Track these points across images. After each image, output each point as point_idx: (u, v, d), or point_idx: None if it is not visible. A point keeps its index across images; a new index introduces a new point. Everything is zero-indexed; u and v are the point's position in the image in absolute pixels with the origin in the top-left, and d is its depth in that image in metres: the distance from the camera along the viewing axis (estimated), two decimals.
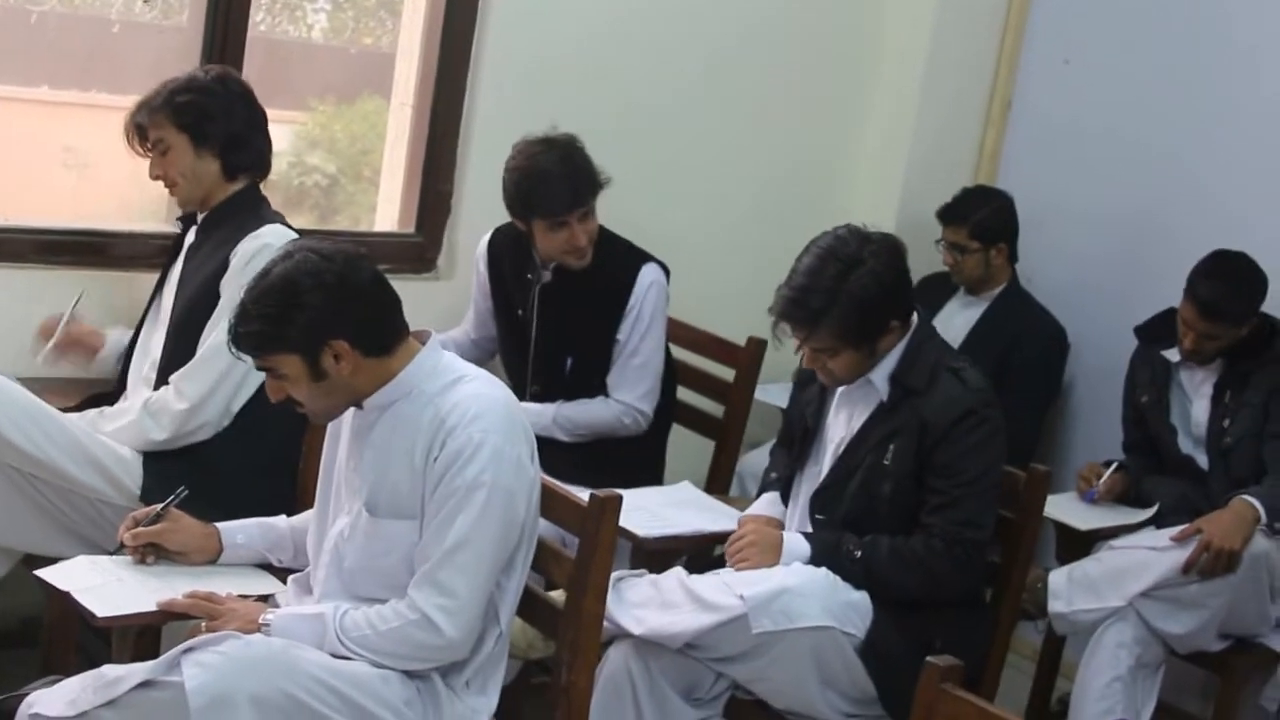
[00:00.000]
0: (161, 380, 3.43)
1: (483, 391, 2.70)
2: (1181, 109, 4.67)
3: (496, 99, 4.30)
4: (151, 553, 2.88)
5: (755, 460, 4.44)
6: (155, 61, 3.94)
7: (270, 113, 3.60)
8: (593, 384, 3.95)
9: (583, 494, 3.07)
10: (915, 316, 3.31)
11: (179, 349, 3.44)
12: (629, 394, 3.96)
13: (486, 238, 4.13)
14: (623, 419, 3.95)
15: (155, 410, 3.36)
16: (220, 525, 2.97)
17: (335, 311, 2.62)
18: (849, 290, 3.13)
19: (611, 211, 3.99)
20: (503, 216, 4.34)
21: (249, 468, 3.37)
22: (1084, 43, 4.91)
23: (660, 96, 4.55)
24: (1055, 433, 4.90)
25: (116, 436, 3.35)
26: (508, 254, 4.03)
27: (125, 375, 3.60)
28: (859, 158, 5.08)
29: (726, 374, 4.26)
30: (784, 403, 4.62)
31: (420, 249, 4.30)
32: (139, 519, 2.90)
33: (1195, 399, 4.17)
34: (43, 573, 2.83)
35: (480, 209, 4.32)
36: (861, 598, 3.14)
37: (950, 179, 4.95)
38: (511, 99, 4.32)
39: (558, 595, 2.97)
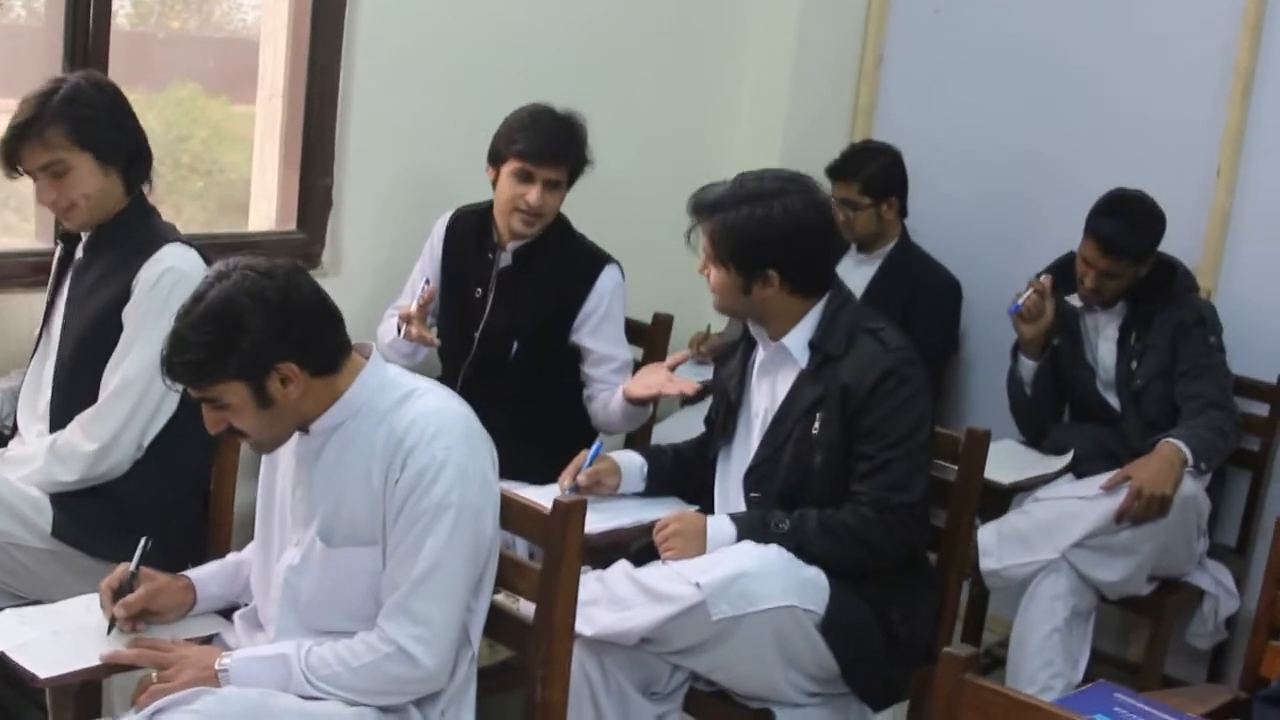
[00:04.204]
0: (57, 417, 3.19)
1: (439, 406, 2.55)
2: (1058, 51, 4.69)
3: (372, 85, 4.12)
4: (142, 619, 2.68)
5: (665, 433, 4.34)
6: (10, 62, 3.70)
7: None
8: (532, 369, 3.85)
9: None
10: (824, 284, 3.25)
11: (72, 383, 3.20)
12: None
13: (446, 217, 4.01)
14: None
15: (63, 454, 3.11)
16: (192, 576, 2.79)
17: (281, 332, 2.43)
18: (745, 212, 3.12)
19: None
20: (386, 208, 4.21)
21: (161, 497, 3.17)
22: None
23: (535, 74, 4.40)
24: (952, 384, 4.91)
25: (22, 482, 3.11)
26: (471, 234, 3.94)
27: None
28: (736, 122, 5.03)
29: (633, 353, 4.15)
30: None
31: (304, 246, 4.10)
32: (114, 587, 2.67)
33: (1100, 343, 4.19)
34: None
35: (363, 200, 4.19)
36: (817, 573, 3.06)
37: (828, 137, 4.93)
38: (388, 83, 4.15)
39: (503, 598, 2.84)
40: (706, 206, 3.18)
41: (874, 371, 3.10)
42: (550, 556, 2.64)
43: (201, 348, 2.42)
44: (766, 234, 3.11)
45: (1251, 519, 4.28)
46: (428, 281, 3.86)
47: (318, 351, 2.50)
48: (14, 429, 3.36)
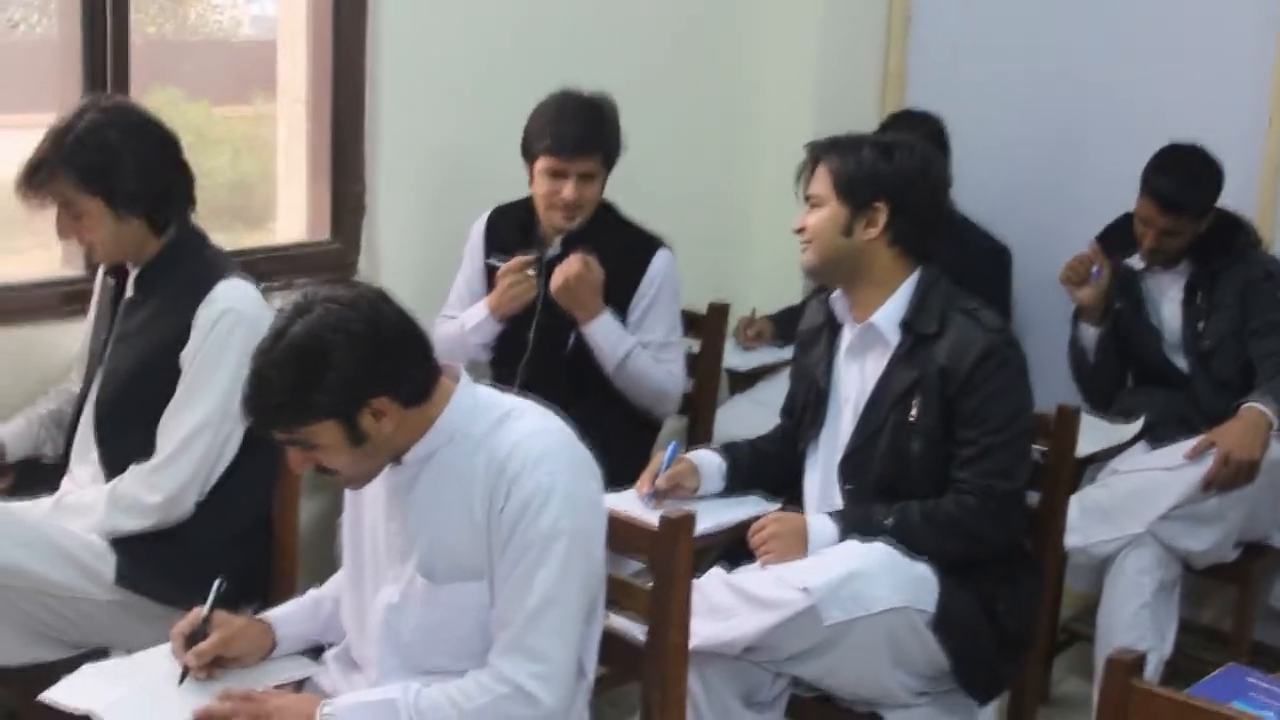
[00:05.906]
0: (106, 460, 3.04)
1: (540, 427, 2.40)
2: (1094, 7, 4.54)
3: (399, 84, 3.99)
4: (219, 666, 2.53)
5: (723, 420, 4.17)
6: (29, 76, 3.58)
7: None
8: (591, 361, 3.71)
9: None
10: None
11: (117, 422, 3.06)
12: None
13: (484, 219, 3.88)
14: (666, 385, 3.78)
15: (125, 505, 2.97)
16: (270, 617, 2.64)
17: (371, 366, 2.28)
18: (869, 150, 3.09)
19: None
20: (421, 211, 4.07)
21: (222, 540, 3.02)
22: None
23: (562, 62, 4.21)
24: None
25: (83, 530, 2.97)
26: (512, 233, 3.81)
27: (69, 448, 3.19)
28: (767, 95, 4.90)
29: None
30: (731, 362, 4.44)
31: (339, 255, 3.97)
32: (186, 633, 2.53)
33: (1165, 304, 4.08)
34: (50, 694, 2.46)
35: (397, 204, 4.06)
36: (926, 569, 2.93)
37: (860, 106, 4.80)
38: (415, 81, 4.02)
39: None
40: (829, 143, 3.14)
41: (973, 352, 2.97)
42: (661, 575, 2.51)
43: (287, 389, 2.27)
44: (886, 168, 3.07)
45: None
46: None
47: (410, 381, 2.35)
48: (64, 460, 3.21)
